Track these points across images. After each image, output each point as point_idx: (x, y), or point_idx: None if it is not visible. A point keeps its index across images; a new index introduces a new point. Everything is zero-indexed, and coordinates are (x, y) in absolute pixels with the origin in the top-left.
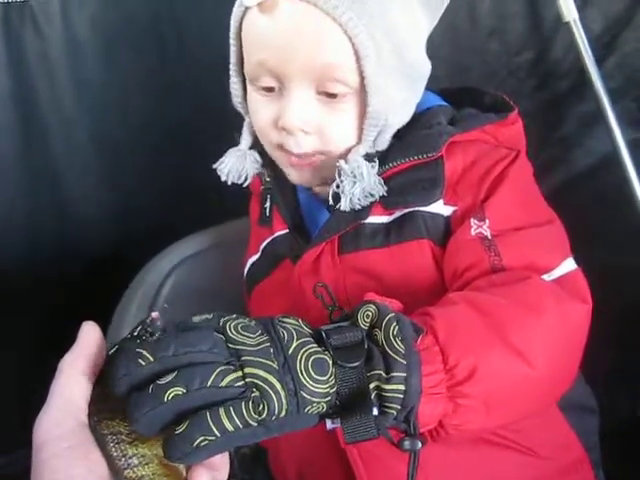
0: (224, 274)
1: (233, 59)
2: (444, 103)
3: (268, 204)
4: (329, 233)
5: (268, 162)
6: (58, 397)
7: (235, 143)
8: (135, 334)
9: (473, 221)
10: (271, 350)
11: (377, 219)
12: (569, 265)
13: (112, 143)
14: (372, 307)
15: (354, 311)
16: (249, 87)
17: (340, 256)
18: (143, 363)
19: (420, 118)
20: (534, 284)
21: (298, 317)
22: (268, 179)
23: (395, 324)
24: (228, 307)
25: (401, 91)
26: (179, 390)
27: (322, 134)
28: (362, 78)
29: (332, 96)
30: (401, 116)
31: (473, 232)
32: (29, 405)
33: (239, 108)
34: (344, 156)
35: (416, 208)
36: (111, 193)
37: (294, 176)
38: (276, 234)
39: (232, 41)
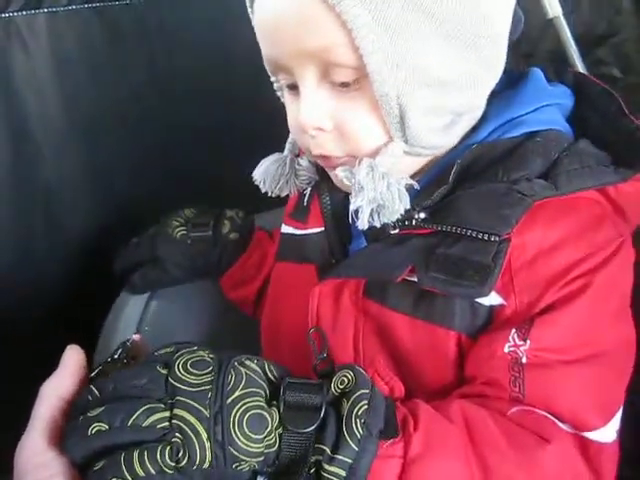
0: (213, 290)
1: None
2: (555, 126)
3: (308, 192)
4: (353, 271)
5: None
6: (39, 423)
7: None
8: (116, 357)
9: (513, 335)
10: (209, 395)
11: (411, 276)
12: (607, 434)
13: (103, 158)
14: (350, 374)
15: (334, 371)
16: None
17: (364, 297)
18: (90, 398)
19: (499, 155)
20: (550, 455)
21: (267, 360)
22: (317, 178)
23: (365, 403)
24: (217, 324)
25: (431, 61)
26: (102, 426)
27: (341, 131)
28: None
29: (344, 85)
30: (443, 96)
31: (507, 349)
32: (11, 430)
33: None
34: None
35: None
36: (103, 210)
37: (335, 181)
38: (309, 231)
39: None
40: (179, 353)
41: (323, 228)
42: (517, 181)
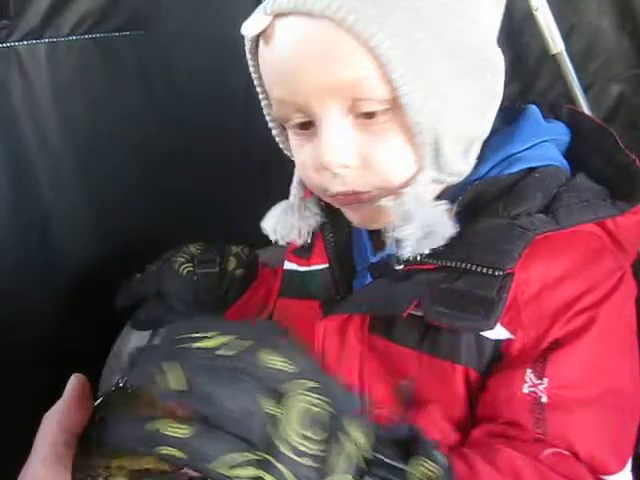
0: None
1: (263, 102)
2: (553, 161)
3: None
4: (359, 307)
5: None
6: (41, 453)
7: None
8: (121, 385)
9: (529, 375)
10: (310, 473)
11: (417, 310)
12: (624, 478)
13: (101, 185)
14: (435, 469)
15: (413, 449)
16: (287, 130)
17: (369, 333)
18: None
19: (499, 191)
20: None
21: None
22: (325, 220)
23: None
24: None
25: (453, 89)
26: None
27: (369, 166)
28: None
29: (369, 116)
30: (463, 123)
31: (526, 389)
32: (13, 458)
33: (290, 156)
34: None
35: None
36: (101, 236)
37: (354, 217)
38: (313, 267)
39: (256, 83)
40: (299, 384)
41: (327, 265)
42: (518, 216)
